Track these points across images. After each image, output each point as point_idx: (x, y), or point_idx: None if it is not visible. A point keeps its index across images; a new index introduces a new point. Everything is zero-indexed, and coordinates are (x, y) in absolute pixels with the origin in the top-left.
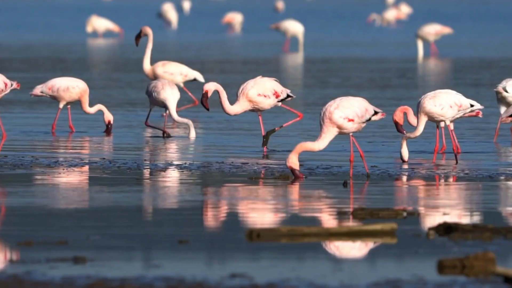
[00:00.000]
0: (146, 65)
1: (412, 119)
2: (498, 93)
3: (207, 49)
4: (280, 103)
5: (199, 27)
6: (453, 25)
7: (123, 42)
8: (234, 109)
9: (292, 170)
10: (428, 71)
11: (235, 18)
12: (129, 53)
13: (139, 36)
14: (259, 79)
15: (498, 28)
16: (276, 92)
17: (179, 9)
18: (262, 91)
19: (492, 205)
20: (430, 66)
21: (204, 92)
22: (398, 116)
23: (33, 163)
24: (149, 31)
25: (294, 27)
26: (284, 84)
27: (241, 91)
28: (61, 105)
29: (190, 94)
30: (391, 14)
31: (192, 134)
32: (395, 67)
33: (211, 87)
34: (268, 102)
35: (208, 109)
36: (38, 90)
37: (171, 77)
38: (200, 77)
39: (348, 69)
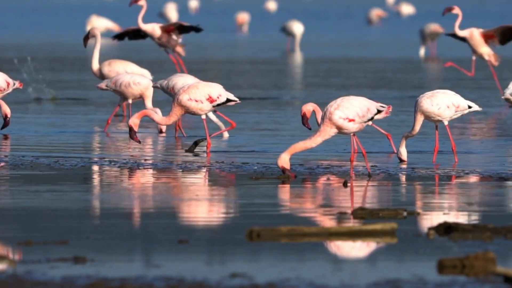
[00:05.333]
0: (94, 65)
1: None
2: (506, 99)
3: (215, 49)
4: (214, 108)
5: (207, 27)
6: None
7: (123, 41)
8: (167, 120)
9: (283, 170)
10: (429, 71)
11: (245, 18)
12: (129, 53)
13: (87, 38)
14: (194, 84)
15: None
16: (210, 97)
17: (184, 9)
18: (193, 96)
19: (492, 205)
20: (431, 66)
21: (129, 126)
22: (307, 109)
23: (34, 163)
24: (97, 32)
25: (293, 28)
26: (283, 84)
27: (175, 96)
28: (130, 100)
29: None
30: (373, 13)
31: (226, 134)
32: (396, 67)
33: (135, 121)
34: (200, 107)
35: (140, 142)
36: (104, 84)
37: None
38: (147, 75)
39: (349, 69)
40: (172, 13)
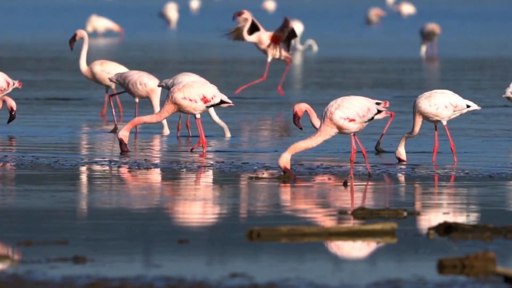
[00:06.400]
0: (83, 66)
1: (315, 121)
2: (508, 98)
3: (218, 48)
4: (207, 108)
5: (208, 27)
6: (456, 25)
7: (123, 41)
8: (158, 117)
9: (285, 170)
10: (429, 70)
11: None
12: (129, 52)
13: (74, 40)
14: (189, 83)
15: (500, 28)
16: (204, 98)
17: (185, 9)
18: (188, 95)
19: (492, 205)
20: (431, 66)
21: (119, 140)
22: (299, 108)
23: (34, 163)
24: (84, 34)
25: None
26: (284, 84)
27: (169, 93)
28: (136, 99)
29: (118, 99)
30: (372, 13)
31: (228, 134)
32: (397, 67)
33: (125, 133)
34: (193, 106)
35: (128, 151)
36: (115, 77)
37: (108, 77)
38: None
39: (350, 69)
40: (172, 13)
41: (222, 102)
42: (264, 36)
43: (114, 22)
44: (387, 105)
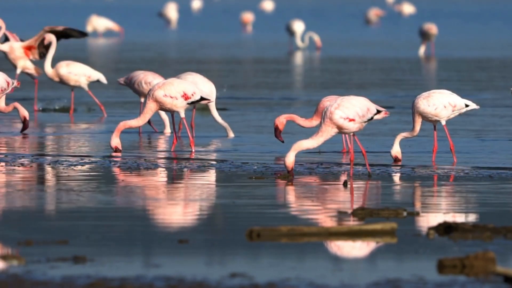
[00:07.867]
0: (48, 68)
1: (302, 122)
2: None
3: (220, 48)
4: (188, 105)
5: (210, 27)
6: (456, 24)
7: (123, 41)
8: (143, 118)
9: (290, 170)
10: (427, 70)
11: (250, 18)
12: (129, 52)
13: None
14: (169, 80)
15: (500, 28)
16: (185, 94)
17: (187, 9)
18: (168, 92)
19: (492, 205)
20: (429, 66)
21: (114, 148)
22: (280, 121)
23: (34, 163)
24: (52, 38)
25: (294, 26)
26: (285, 84)
27: (149, 92)
28: (141, 99)
29: (95, 99)
30: (371, 13)
31: (231, 134)
32: (396, 67)
33: (117, 141)
34: (174, 103)
35: (120, 151)
36: (122, 79)
37: (75, 78)
38: (103, 79)
39: (350, 69)
40: (172, 13)
41: (202, 99)
42: (16, 46)
43: (114, 22)
44: (387, 114)
